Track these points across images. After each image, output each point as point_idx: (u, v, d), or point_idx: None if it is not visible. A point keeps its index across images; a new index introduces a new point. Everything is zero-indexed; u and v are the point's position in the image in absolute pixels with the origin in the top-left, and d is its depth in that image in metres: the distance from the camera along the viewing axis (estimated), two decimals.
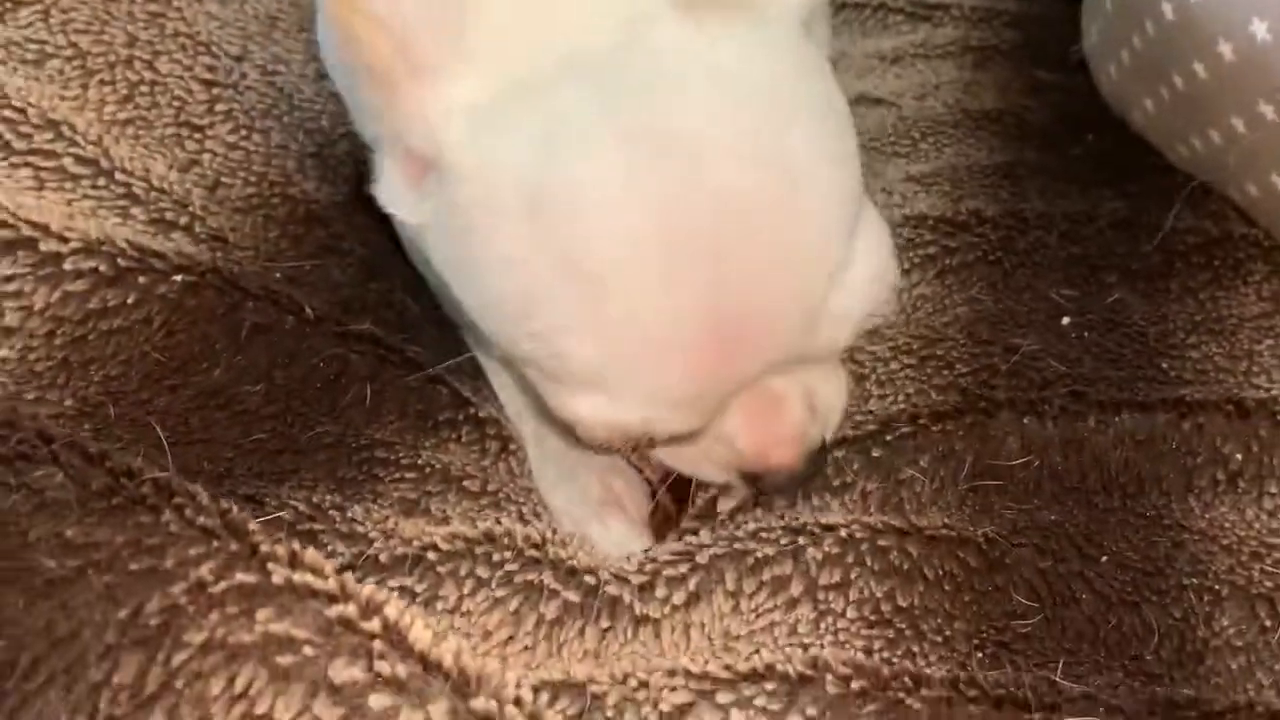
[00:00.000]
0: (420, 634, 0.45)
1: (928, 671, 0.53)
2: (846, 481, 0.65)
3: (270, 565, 0.46)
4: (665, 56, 0.50)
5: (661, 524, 0.67)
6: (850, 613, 0.58)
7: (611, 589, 0.59)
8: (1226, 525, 0.62)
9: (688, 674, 0.53)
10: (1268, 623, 0.58)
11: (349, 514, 0.60)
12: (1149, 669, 0.56)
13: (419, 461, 0.65)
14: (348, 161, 0.79)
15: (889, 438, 0.66)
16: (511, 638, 0.57)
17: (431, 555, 0.59)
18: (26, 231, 0.60)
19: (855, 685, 0.52)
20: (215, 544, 0.46)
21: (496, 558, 0.59)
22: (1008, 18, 1.08)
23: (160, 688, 0.42)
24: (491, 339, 0.55)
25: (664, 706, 0.52)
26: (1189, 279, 0.76)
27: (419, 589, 0.57)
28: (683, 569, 0.60)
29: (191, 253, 0.65)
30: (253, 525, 0.48)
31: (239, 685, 0.43)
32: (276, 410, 0.63)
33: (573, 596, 0.58)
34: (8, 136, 0.66)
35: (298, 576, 0.46)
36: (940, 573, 0.59)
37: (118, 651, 0.43)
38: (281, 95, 0.80)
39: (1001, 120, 0.93)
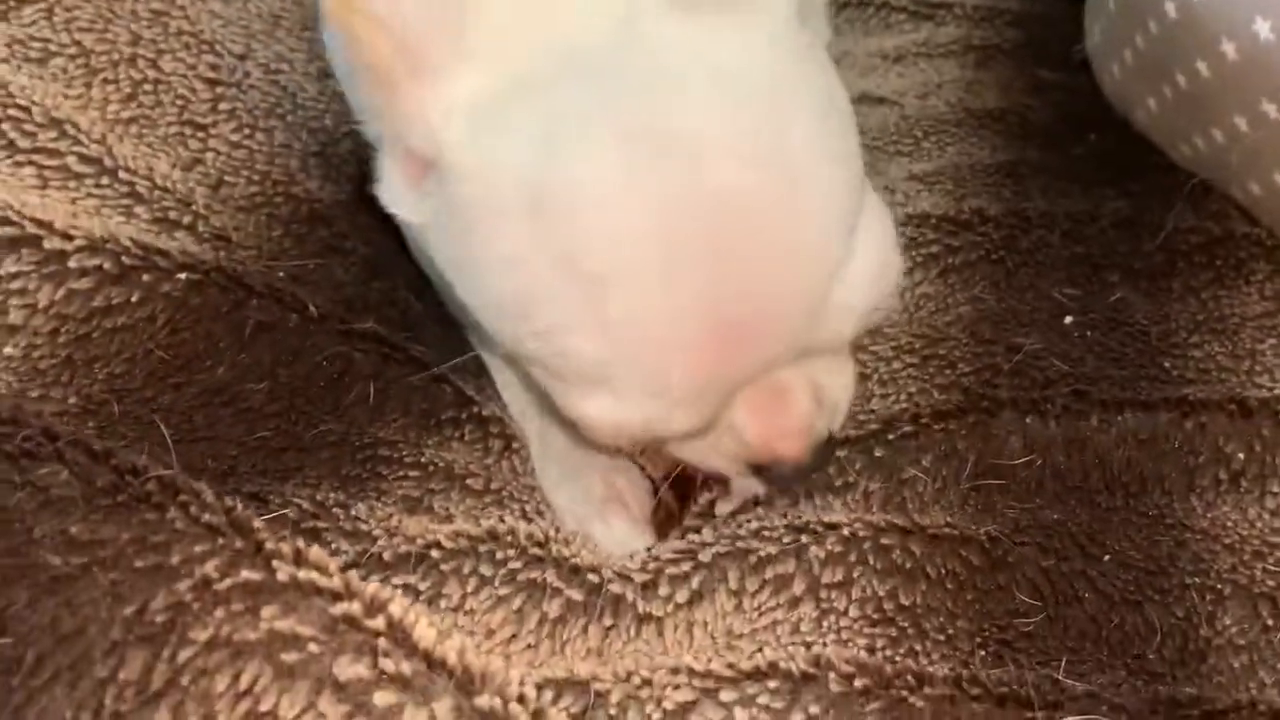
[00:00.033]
0: (424, 632, 0.45)
1: (930, 670, 0.53)
2: (849, 481, 0.65)
3: (275, 563, 0.46)
4: (662, 53, 0.50)
5: (664, 522, 0.67)
6: (853, 611, 0.58)
7: (614, 587, 0.59)
8: (1229, 524, 0.62)
9: (691, 672, 0.53)
10: (1270, 621, 0.58)
11: (353, 512, 0.60)
12: (1151, 668, 0.56)
13: (422, 459, 0.65)
14: (351, 160, 0.79)
15: (891, 437, 0.66)
16: (515, 635, 0.57)
17: (435, 553, 0.59)
18: (31, 229, 0.60)
19: (858, 683, 0.52)
20: (220, 541, 0.46)
21: (500, 556, 0.59)
22: (1010, 16, 1.09)
23: (165, 685, 0.43)
24: (495, 338, 0.55)
25: (667, 704, 0.52)
26: (1191, 278, 0.76)
27: (422, 587, 0.57)
28: (685, 567, 0.60)
29: (195, 252, 0.65)
30: (257, 523, 0.48)
31: (244, 682, 0.43)
32: (280, 408, 0.63)
33: (576, 595, 0.59)
34: (12, 135, 0.66)
35: (302, 574, 0.46)
36: (943, 571, 0.59)
37: (123, 648, 0.43)
38: (285, 94, 0.80)
39: (1004, 119, 0.93)
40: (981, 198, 0.83)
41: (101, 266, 0.61)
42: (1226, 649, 0.57)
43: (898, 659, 0.55)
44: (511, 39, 0.50)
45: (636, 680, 0.53)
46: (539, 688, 0.49)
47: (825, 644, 0.56)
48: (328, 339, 0.66)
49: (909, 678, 0.53)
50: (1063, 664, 0.55)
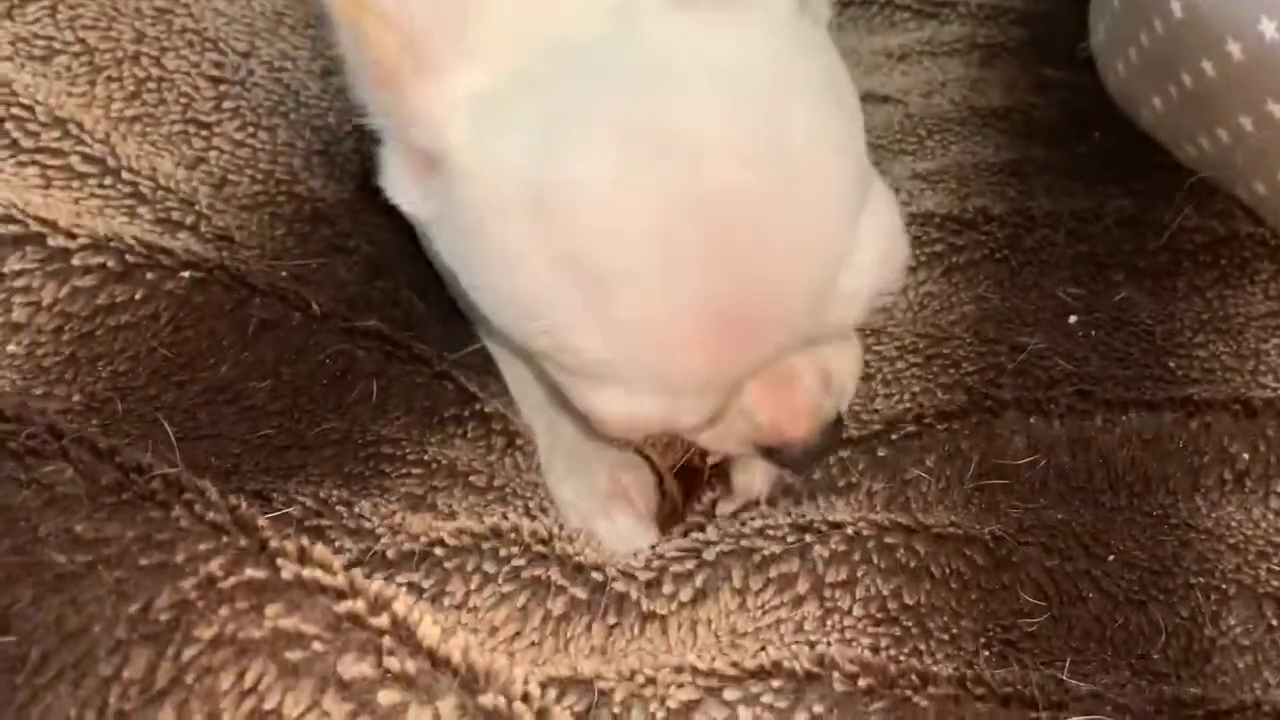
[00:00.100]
0: (429, 630, 0.45)
1: (935, 669, 0.53)
2: (852, 481, 0.65)
3: (279, 561, 0.46)
4: (660, 49, 0.49)
5: (668, 515, 0.67)
6: (857, 610, 0.58)
7: (618, 585, 0.59)
8: (1233, 524, 0.62)
9: (694, 671, 0.53)
10: (1274, 622, 0.58)
11: (356, 509, 0.60)
12: (1156, 668, 0.56)
13: (425, 457, 0.65)
14: (354, 159, 0.79)
15: (894, 437, 0.66)
16: (518, 633, 0.57)
17: (438, 551, 0.59)
18: (35, 227, 0.60)
19: (862, 683, 0.52)
20: (224, 539, 0.46)
21: (503, 553, 0.59)
22: (1015, 15, 1.08)
23: (170, 683, 0.43)
24: (505, 332, 0.55)
25: (671, 703, 0.52)
26: (1196, 277, 0.76)
27: (426, 584, 0.57)
28: (689, 566, 0.60)
29: (198, 250, 0.65)
30: (261, 521, 0.48)
31: (248, 680, 0.43)
32: (283, 406, 0.63)
33: (580, 592, 0.59)
34: (15, 134, 0.66)
35: (307, 572, 0.46)
36: (947, 571, 0.59)
37: (127, 646, 0.43)
38: (288, 92, 0.80)
39: (1008, 118, 0.93)
40: (986, 196, 0.83)
41: (105, 264, 0.61)
42: (1231, 649, 0.57)
43: (902, 658, 0.55)
44: (511, 38, 0.50)
45: (640, 679, 0.53)
46: (543, 686, 0.49)
47: (829, 643, 0.56)
48: (330, 337, 0.66)
49: (913, 677, 0.52)
50: (1067, 664, 0.55)
